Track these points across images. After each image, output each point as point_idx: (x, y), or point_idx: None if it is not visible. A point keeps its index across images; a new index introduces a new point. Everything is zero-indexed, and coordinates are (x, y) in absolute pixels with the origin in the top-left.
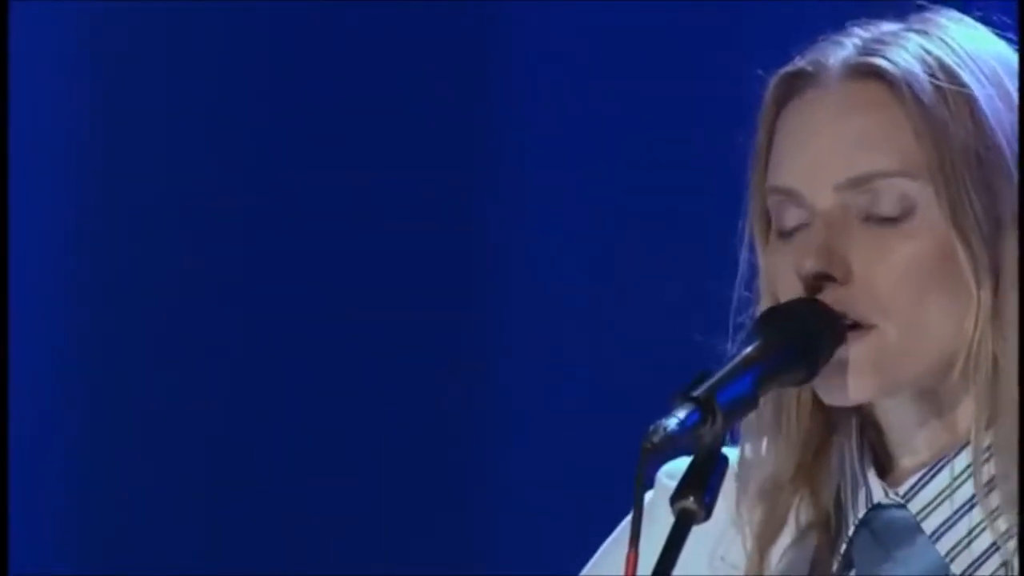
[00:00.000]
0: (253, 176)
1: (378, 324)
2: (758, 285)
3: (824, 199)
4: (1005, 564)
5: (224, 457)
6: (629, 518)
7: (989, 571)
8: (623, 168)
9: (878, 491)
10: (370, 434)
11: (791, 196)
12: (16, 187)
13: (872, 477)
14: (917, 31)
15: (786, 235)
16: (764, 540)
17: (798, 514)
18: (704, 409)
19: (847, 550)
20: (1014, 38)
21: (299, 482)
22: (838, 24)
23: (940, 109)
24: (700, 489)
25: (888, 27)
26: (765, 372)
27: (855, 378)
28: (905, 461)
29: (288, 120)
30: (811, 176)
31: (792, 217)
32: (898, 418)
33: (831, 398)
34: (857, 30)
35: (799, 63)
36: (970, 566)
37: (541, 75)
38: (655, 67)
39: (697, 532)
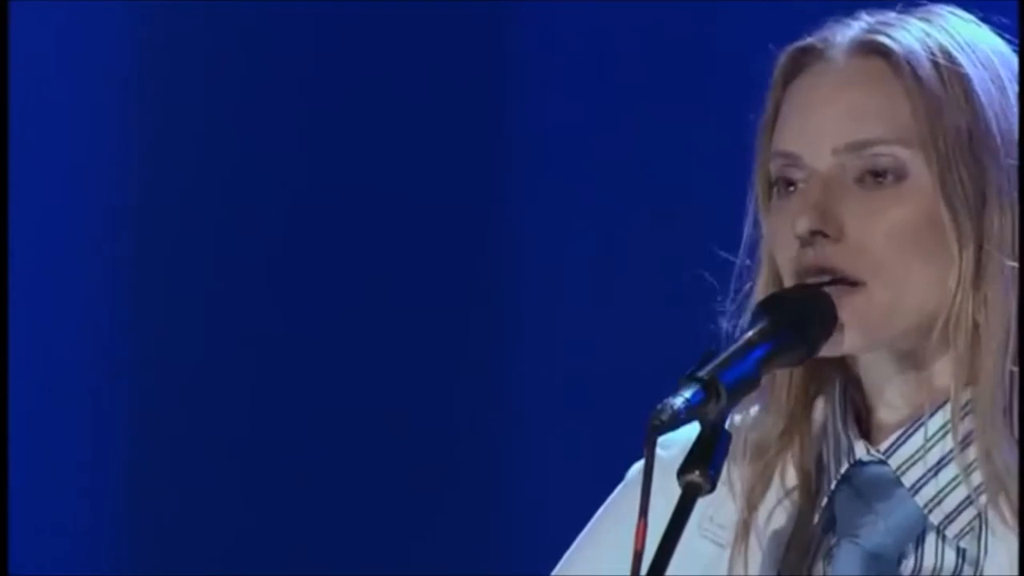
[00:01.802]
0: (258, 178)
1: (389, 323)
2: (760, 254)
3: (822, 161)
4: (979, 516)
5: (232, 458)
6: (609, 503)
7: (965, 521)
8: (633, 169)
9: (860, 449)
10: (380, 433)
11: (792, 159)
12: (38, 185)
13: (854, 436)
14: (920, 18)
15: (784, 197)
16: (752, 502)
17: (783, 476)
18: (709, 389)
19: (828, 505)
20: (1011, 38)
21: (310, 482)
22: None
23: (937, 87)
24: (705, 463)
25: (893, 14)
26: (766, 354)
27: (844, 331)
28: (884, 416)
29: (294, 121)
30: (812, 141)
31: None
32: (877, 374)
33: (822, 350)
34: (864, 14)
35: (808, 40)
36: (946, 517)
37: (552, 77)
38: (665, 68)
39: None
